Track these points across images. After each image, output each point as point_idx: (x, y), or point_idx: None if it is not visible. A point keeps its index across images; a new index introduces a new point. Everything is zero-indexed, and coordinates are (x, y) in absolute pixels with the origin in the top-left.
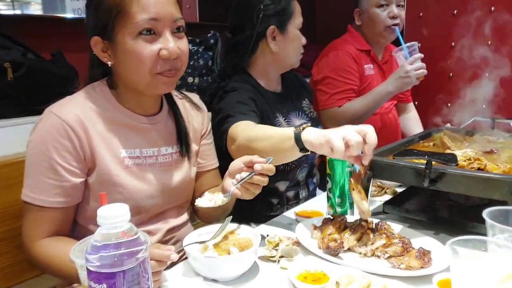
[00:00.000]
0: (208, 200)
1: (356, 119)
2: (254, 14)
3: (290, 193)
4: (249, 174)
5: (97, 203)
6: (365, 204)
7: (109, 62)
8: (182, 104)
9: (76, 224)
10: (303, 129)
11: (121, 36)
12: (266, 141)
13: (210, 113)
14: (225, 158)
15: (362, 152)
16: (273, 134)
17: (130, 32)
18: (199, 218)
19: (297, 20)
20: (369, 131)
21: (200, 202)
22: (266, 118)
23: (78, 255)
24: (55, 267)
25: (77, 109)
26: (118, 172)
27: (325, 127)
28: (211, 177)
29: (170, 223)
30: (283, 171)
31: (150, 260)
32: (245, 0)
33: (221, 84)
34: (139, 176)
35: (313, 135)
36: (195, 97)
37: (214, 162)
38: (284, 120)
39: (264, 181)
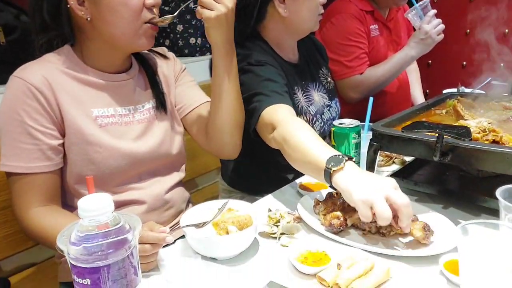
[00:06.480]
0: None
1: (378, 86)
2: None
3: None
4: None
5: (77, 167)
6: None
7: (87, 16)
8: (150, 59)
9: (64, 190)
10: (333, 171)
11: None
12: (299, 157)
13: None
14: (250, 135)
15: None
16: (308, 155)
17: None
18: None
19: None
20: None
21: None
22: None
23: (65, 241)
24: (48, 239)
25: (42, 71)
26: (92, 131)
27: (346, 96)
28: (205, 113)
29: (160, 184)
30: None
31: (145, 244)
32: None
33: (241, 52)
34: (116, 134)
35: (343, 184)
36: (161, 49)
37: (198, 99)
38: (303, 94)
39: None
